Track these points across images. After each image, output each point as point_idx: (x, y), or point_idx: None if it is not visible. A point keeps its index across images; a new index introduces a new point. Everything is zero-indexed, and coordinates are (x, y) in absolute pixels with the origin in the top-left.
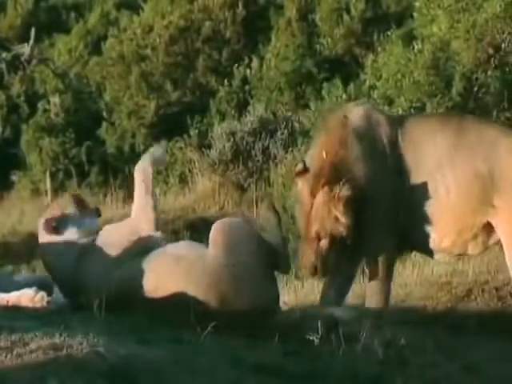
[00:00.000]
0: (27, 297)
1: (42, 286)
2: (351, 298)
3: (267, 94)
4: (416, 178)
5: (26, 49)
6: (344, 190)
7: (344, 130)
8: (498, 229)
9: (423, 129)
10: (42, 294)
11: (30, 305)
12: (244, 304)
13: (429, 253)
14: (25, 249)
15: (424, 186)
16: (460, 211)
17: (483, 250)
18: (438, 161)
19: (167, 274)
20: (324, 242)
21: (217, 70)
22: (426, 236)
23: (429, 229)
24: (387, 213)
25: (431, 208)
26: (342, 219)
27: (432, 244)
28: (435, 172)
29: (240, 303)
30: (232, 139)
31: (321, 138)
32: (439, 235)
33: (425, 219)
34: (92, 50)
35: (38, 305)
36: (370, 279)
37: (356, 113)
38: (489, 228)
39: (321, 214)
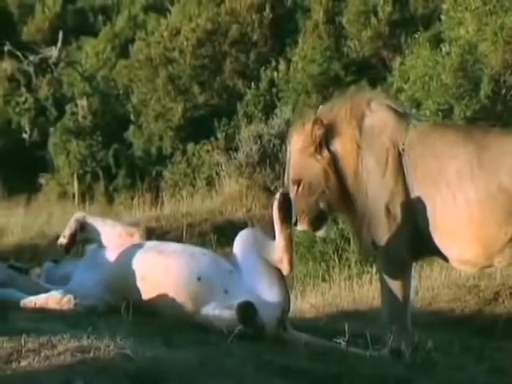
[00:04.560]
0: (54, 299)
1: None
2: (366, 301)
3: (294, 96)
4: (432, 188)
5: (53, 52)
6: (316, 129)
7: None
8: None
9: (445, 139)
10: (70, 296)
11: (58, 307)
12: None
13: (453, 263)
14: (52, 251)
15: (440, 195)
16: (483, 223)
17: (510, 263)
18: (458, 173)
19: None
20: (303, 186)
21: (244, 73)
22: (447, 247)
23: (449, 240)
24: (385, 211)
25: (449, 219)
26: (318, 156)
27: (454, 255)
28: (454, 183)
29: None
30: (259, 142)
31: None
32: (460, 247)
33: (444, 230)
34: (119, 52)
35: (65, 307)
36: (380, 278)
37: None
38: None
39: (297, 158)
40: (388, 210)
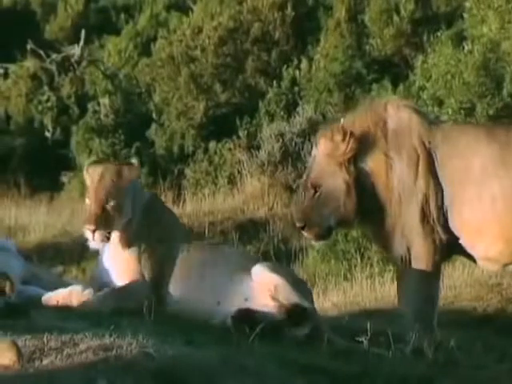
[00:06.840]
0: (76, 293)
1: None
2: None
3: (316, 95)
4: (458, 187)
5: (76, 50)
6: (352, 142)
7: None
8: None
9: (468, 138)
10: (91, 289)
11: (80, 300)
12: None
13: (475, 261)
14: (75, 250)
15: (467, 194)
16: (508, 221)
17: None
18: (483, 172)
19: None
20: (320, 193)
21: (266, 71)
22: (471, 244)
23: (474, 237)
24: (419, 212)
25: (475, 217)
26: (345, 169)
27: (478, 252)
28: (479, 182)
29: None
30: (281, 140)
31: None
32: (485, 244)
33: (469, 228)
34: (141, 51)
35: (86, 298)
36: (398, 279)
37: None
38: None
39: (322, 163)
40: (423, 213)
